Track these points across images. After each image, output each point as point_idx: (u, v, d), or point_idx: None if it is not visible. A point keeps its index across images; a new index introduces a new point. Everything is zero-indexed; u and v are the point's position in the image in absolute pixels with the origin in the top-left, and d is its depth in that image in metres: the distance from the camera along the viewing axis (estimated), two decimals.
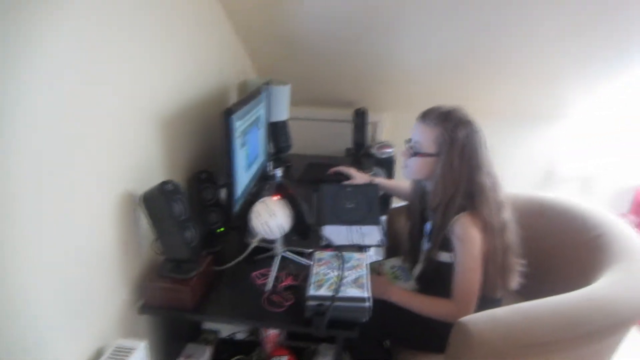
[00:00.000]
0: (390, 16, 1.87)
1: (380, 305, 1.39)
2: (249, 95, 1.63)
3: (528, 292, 1.48)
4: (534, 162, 2.68)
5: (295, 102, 2.43)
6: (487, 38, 1.97)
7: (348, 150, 2.51)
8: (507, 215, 1.49)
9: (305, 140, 2.54)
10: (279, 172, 2.14)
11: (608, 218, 1.69)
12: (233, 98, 2.00)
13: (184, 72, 1.54)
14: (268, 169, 2.11)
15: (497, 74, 2.25)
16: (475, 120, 1.48)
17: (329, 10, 1.85)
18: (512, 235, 1.50)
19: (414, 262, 1.68)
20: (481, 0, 1.74)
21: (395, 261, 1.74)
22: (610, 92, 2.29)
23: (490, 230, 1.41)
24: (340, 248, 1.47)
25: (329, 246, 1.50)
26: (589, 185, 2.69)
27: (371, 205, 1.73)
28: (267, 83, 1.92)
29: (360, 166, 2.24)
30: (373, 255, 1.91)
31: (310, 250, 1.43)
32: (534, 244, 1.83)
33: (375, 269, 1.69)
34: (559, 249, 1.77)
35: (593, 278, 1.48)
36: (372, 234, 1.57)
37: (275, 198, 1.28)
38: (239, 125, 1.45)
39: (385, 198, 2.21)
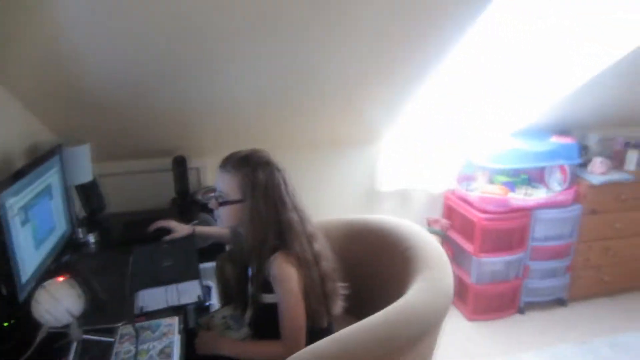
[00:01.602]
0: (191, 59, 1.83)
1: None
2: (27, 166, 1.46)
3: (359, 311, 1.52)
4: (359, 183, 2.86)
5: (107, 157, 2.28)
6: (300, 75, 2.04)
7: (174, 200, 2.41)
8: (320, 245, 1.54)
9: (126, 196, 2.39)
10: (91, 238, 1.97)
11: (414, 231, 1.85)
12: (20, 164, 1.78)
13: None
14: (78, 236, 1.92)
15: (312, 108, 2.34)
16: (274, 160, 1.51)
17: (119, 60, 1.74)
18: (329, 262, 1.56)
19: (244, 308, 1.65)
20: (290, 40, 1.79)
21: (226, 310, 1.68)
22: (414, 112, 2.57)
23: (305, 264, 1.45)
24: (155, 313, 1.38)
25: (143, 314, 1.39)
26: (407, 197, 2.95)
27: (190, 258, 1.66)
28: (60, 145, 1.75)
29: (187, 215, 2.16)
30: (215, 305, 1.84)
31: (120, 324, 1.31)
32: (357, 264, 1.94)
33: (205, 324, 1.61)
34: (378, 265, 1.89)
35: (406, 289, 1.60)
36: (190, 291, 1.50)
37: (60, 279, 1.15)
38: (15, 202, 1.29)
39: (219, 245, 2.15)
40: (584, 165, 2.85)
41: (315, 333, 1.43)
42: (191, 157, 2.39)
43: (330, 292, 1.54)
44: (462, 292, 2.85)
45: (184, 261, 1.65)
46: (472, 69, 2.25)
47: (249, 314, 1.60)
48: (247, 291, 1.61)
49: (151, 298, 1.48)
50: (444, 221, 2.84)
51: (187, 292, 1.49)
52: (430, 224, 2.85)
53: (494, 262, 2.68)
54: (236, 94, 2.12)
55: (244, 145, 1.53)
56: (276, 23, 1.68)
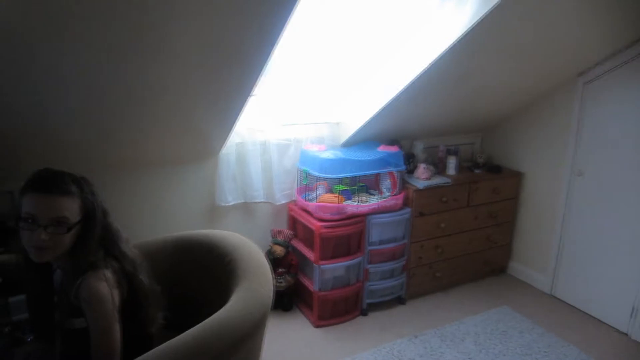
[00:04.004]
0: None
1: None
2: None
3: (186, 327, 1.46)
4: (200, 200, 2.81)
5: None
6: (126, 94, 1.93)
7: None
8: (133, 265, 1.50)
9: None
10: None
11: (238, 243, 1.86)
12: None
13: None
14: None
15: (139, 126, 2.25)
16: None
17: None
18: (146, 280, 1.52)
19: (50, 340, 1.51)
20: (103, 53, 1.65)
21: (26, 348, 1.53)
22: (248, 123, 2.59)
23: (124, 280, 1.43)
24: None
25: None
26: (251, 211, 2.97)
27: None
28: None
29: None
30: None
31: None
32: (184, 280, 1.91)
33: None
34: (205, 279, 1.88)
35: (226, 301, 1.60)
36: None
37: None
38: None
39: None
40: (411, 172, 3.13)
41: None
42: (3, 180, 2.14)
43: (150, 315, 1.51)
44: (307, 300, 2.93)
45: None
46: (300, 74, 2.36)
47: (58, 345, 1.47)
48: (53, 319, 1.48)
49: None
50: (287, 232, 2.90)
51: None
52: (274, 235, 2.89)
53: (335, 268, 2.80)
54: (55, 112, 1.94)
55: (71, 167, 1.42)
56: (92, 31, 1.53)
